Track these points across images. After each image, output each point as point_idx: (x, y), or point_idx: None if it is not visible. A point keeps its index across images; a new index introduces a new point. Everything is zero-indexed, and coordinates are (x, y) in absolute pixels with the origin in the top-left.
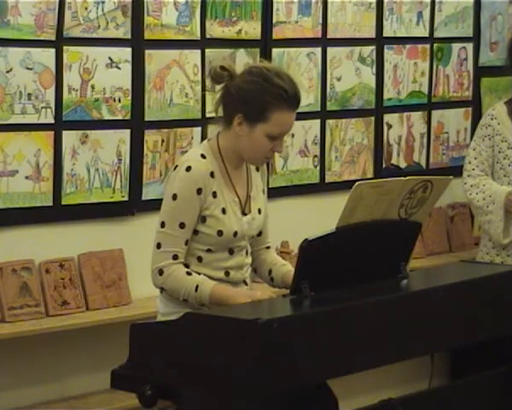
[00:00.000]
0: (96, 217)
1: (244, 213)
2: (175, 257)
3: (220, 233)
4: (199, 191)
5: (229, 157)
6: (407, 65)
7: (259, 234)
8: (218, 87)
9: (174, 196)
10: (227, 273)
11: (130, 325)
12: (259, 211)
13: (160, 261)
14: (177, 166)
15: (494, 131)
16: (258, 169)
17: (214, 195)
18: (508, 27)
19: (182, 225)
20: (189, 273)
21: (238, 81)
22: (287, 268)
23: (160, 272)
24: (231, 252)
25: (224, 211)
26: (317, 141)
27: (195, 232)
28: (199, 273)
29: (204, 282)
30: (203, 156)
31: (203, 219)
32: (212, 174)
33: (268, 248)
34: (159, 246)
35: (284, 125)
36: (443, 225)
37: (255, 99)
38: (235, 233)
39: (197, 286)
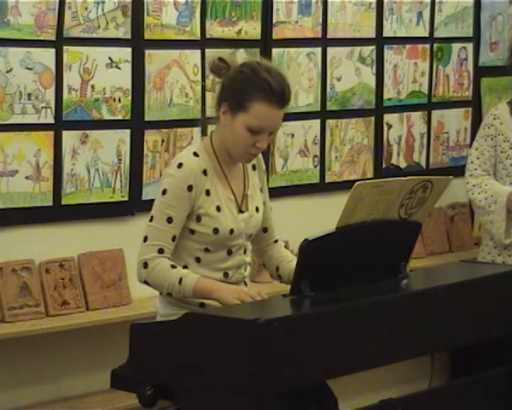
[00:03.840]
0: (96, 217)
1: (241, 211)
2: (160, 251)
3: (216, 231)
4: (189, 188)
5: (223, 154)
6: (407, 65)
7: (265, 230)
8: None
9: (164, 192)
10: (226, 274)
11: (130, 325)
12: (257, 209)
13: (145, 254)
14: (170, 164)
15: (496, 131)
16: (254, 168)
17: (207, 193)
18: (508, 27)
19: (169, 220)
20: (173, 266)
21: (230, 72)
22: (294, 265)
23: (145, 265)
24: (230, 252)
25: (218, 209)
26: (317, 141)
27: (192, 232)
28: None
29: (188, 275)
30: (196, 154)
31: (198, 218)
32: (204, 172)
33: (276, 241)
34: (145, 239)
35: (264, 119)
36: (443, 225)
37: (238, 88)
38: (231, 231)
39: (181, 279)
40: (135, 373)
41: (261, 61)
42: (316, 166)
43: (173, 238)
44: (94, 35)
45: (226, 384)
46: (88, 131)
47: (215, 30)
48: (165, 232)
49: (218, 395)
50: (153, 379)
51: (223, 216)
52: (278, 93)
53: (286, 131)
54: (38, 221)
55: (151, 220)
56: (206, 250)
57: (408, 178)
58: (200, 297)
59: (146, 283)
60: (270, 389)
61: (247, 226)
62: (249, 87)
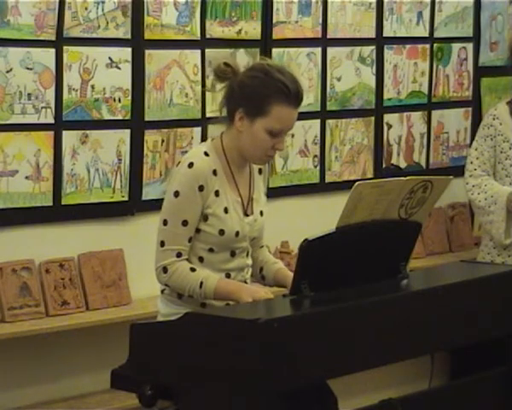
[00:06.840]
0: (96, 217)
1: (246, 214)
2: (179, 255)
3: (222, 232)
4: (200, 188)
5: (232, 157)
6: (407, 65)
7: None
8: (220, 87)
9: (176, 193)
10: (228, 275)
11: (130, 325)
12: (261, 213)
13: (164, 259)
14: (179, 163)
15: (496, 132)
16: (260, 172)
17: (217, 193)
18: (508, 27)
19: (184, 223)
20: (193, 269)
21: (241, 77)
22: (278, 266)
23: (165, 270)
24: (233, 254)
25: (226, 210)
26: (317, 141)
27: (197, 231)
28: None
29: (208, 278)
30: (206, 154)
31: (205, 218)
32: (214, 172)
33: (261, 247)
34: (162, 244)
35: (284, 120)
36: (443, 225)
37: (255, 93)
38: (237, 233)
39: (201, 283)
40: (135, 373)
41: (269, 61)
42: (316, 166)
43: (189, 239)
44: (94, 35)
45: (226, 384)
46: (88, 131)
47: (215, 30)
48: (181, 235)
49: (218, 395)
50: (153, 379)
51: (230, 218)
52: (295, 93)
53: None
54: (38, 221)
55: (165, 224)
56: (211, 250)
57: (408, 178)
58: (222, 299)
59: (166, 285)
60: (270, 389)
61: (251, 229)
62: (267, 91)
